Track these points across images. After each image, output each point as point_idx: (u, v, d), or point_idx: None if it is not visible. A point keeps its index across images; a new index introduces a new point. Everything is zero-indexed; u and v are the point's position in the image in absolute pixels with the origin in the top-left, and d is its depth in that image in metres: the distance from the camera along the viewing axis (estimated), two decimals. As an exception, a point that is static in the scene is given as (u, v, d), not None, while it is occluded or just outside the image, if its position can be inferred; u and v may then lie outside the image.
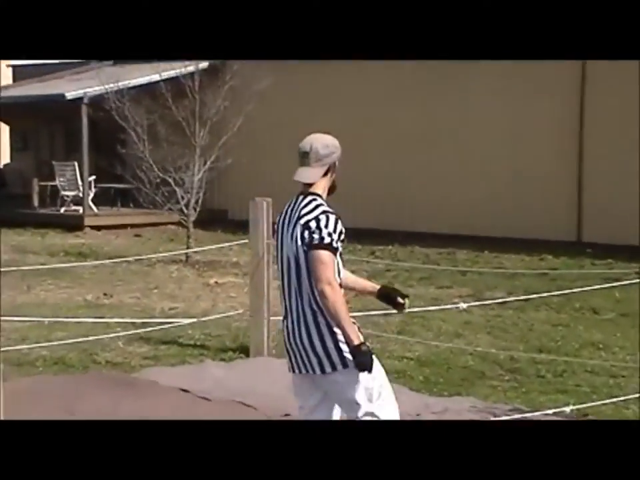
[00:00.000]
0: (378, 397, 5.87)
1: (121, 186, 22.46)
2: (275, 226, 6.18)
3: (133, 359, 10.21)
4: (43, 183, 25.02)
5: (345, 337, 5.68)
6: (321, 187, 5.95)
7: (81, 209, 23.42)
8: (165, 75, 20.13)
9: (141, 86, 21.71)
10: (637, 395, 8.24)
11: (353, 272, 6.41)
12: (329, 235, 5.65)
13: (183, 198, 18.14)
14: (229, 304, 13.21)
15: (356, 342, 5.63)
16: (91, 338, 10.44)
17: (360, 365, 5.65)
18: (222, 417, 8.10)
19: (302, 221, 5.77)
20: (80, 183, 23.49)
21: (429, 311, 11.63)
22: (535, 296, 10.75)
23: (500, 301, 11.33)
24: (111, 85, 21.28)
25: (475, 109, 20.05)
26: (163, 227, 21.75)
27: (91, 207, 23.49)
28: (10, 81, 32.75)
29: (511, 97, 19.62)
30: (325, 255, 5.63)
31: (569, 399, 8.35)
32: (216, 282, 15.33)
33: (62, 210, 23.91)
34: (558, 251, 17.40)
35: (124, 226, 22.53)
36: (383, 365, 5.98)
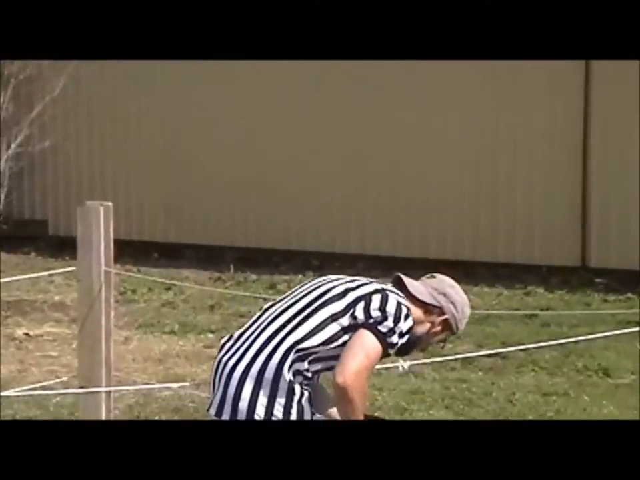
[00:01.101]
0: None
1: None
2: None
3: None
4: None
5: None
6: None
7: None
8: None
9: None
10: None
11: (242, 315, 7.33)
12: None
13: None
14: (45, 368, 13.18)
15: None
16: None
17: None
18: None
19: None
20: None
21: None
22: (516, 349, 10.72)
23: (465, 356, 11.34)
24: None
25: (442, 106, 20.48)
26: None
27: None
28: None
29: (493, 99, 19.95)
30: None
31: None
32: (26, 334, 15.19)
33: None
34: (553, 281, 17.70)
35: None
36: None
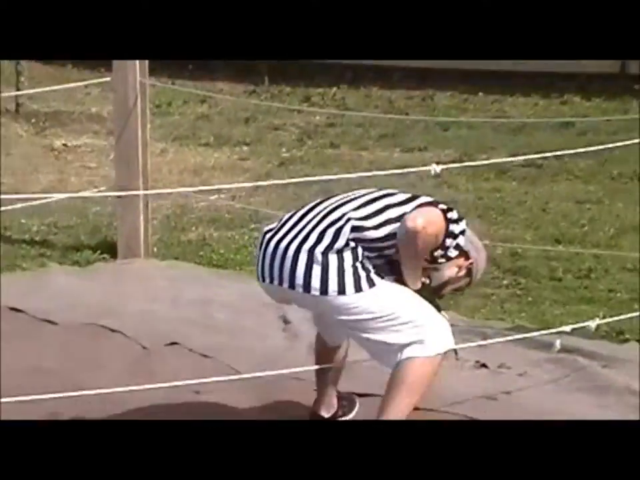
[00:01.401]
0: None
1: None
2: None
3: None
4: None
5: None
6: None
7: None
8: None
9: None
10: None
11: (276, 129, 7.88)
12: None
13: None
14: (84, 178, 13.30)
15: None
16: None
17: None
18: (74, 346, 8.27)
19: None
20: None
21: (396, 179, 11.70)
22: (550, 155, 10.75)
23: (498, 162, 11.33)
24: None
25: None
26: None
27: None
28: None
29: None
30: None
31: (598, 310, 8.53)
32: (64, 144, 15.26)
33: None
34: (590, 88, 17.57)
35: None
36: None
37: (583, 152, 10.80)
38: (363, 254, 6.86)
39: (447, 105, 17.39)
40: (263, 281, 7.16)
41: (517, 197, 12.28)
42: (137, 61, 10.25)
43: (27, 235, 11.04)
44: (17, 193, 11.28)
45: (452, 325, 8.38)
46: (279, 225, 7.17)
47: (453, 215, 7.02)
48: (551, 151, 10.57)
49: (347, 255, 6.79)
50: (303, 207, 7.32)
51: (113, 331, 8.60)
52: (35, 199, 11.04)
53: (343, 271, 6.76)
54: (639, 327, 8.27)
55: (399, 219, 6.86)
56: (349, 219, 6.88)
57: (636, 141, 9.66)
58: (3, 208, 10.72)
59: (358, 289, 6.72)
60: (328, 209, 7.10)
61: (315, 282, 6.77)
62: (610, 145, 9.96)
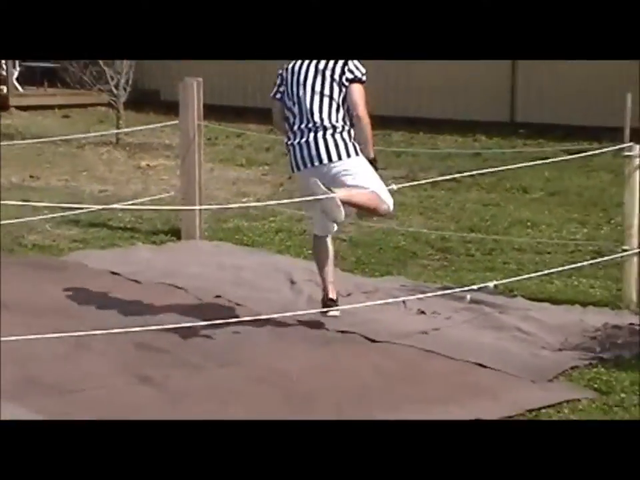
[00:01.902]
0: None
1: (47, 64, 22.10)
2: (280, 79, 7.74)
3: (61, 242, 10.19)
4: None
5: (369, 145, 7.62)
6: None
7: (5, 88, 22.95)
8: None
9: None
10: (558, 270, 8.43)
11: (286, 154, 7.69)
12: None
13: (112, 78, 17.86)
14: (160, 187, 13.18)
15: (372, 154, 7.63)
16: (16, 220, 10.35)
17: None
18: (151, 299, 8.20)
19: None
20: (2, 60, 23.05)
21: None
22: (466, 174, 10.80)
23: (432, 180, 11.35)
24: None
25: None
26: (92, 108, 21.43)
27: (16, 87, 23.08)
28: None
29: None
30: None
31: (497, 276, 8.49)
32: (147, 164, 15.24)
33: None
34: (491, 131, 17.36)
35: (51, 107, 22.17)
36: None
37: (486, 172, 10.87)
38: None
39: (399, 140, 17.32)
40: (299, 170, 7.45)
41: (444, 201, 12.21)
42: (196, 110, 10.22)
43: (122, 224, 10.98)
44: (117, 197, 11.26)
45: (401, 285, 8.48)
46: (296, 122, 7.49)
47: None
48: (466, 172, 10.59)
49: (346, 135, 7.35)
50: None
51: (177, 287, 8.54)
52: (127, 204, 11.08)
53: (346, 144, 7.34)
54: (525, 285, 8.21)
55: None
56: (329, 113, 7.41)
57: (521, 165, 9.66)
58: (107, 206, 10.79)
59: (356, 153, 7.37)
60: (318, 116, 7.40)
61: (334, 154, 7.27)
62: (503, 168, 9.99)
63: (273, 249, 9.93)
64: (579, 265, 8.48)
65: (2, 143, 15.46)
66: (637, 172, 7.69)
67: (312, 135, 7.37)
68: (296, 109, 7.48)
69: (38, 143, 15.05)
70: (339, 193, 7.00)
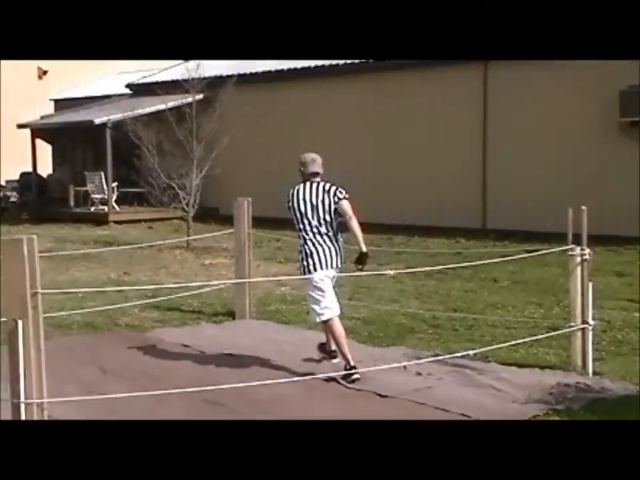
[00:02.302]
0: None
1: (137, 190, 22.33)
2: (292, 200, 7.94)
3: (146, 322, 10.21)
4: (77, 189, 24.93)
5: (361, 241, 7.89)
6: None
7: (106, 208, 23.33)
8: (170, 104, 20.12)
9: (151, 113, 21.68)
10: (522, 341, 8.34)
11: None
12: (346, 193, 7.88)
13: (184, 198, 18.11)
14: (220, 279, 13.14)
15: (365, 249, 7.85)
16: (113, 306, 10.44)
17: (366, 263, 7.93)
18: (214, 365, 8.17)
19: (331, 190, 7.81)
20: (105, 188, 23.42)
21: (372, 280, 11.72)
22: (451, 267, 10.78)
23: (424, 270, 11.32)
24: (128, 113, 21.34)
25: (404, 125, 20.10)
26: (169, 221, 21.62)
27: (114, 207, 23.42)
28: (52, 111, 32.60)
29: (428, 112, 19.65)
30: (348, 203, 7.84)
31: (475, 345, 8.42)
32: (210, 263, 15.25)
33: (92, 209, 23.81)
34: (468, 235, 17.38)
35: (139, 221, 22.49)
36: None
37: (466, 266, 10.80)
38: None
39: (399, 242, 17.35)
40: (327, 268, 7.86)
41: (434, 289, 12.13)
42: (246, 221, 10.27)
43: (191, 308, 10.95)
44: (187, 288, 11.25)
45: (403, 353, 8.42)
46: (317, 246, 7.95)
47: None
48: (450, 266, 10.58)
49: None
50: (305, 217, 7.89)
51: (233, 356, 8.50)
52: (194, 288, 11.09)
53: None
54: (496, 353, 8.14)
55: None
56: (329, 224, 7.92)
57: (491, 261, 9.61)
58: (181, 294, 10.79)
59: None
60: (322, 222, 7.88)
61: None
62: (478, 263, 9.96)
63: (304, 326, 9.89)
64: (537, 337, 8.42)
65: (103, 249, 15.68)
66: (578, 267, 7.71)
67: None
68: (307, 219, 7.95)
69: (129, 248, 15.15)
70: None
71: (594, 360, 7.78)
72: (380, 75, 20.46)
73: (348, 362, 7.59)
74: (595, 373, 7.63)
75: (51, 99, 34.68)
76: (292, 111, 22.24)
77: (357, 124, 21.02)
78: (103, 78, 35.47)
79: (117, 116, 22.44)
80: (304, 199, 7.83)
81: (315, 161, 8.11)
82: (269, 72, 22.83)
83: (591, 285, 7.72)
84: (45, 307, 5.64)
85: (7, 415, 5.50)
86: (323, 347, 8.21)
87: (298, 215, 7.86)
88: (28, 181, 27.39)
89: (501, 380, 7.48)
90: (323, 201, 7.79)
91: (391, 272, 8.72)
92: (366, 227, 19.44)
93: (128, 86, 27.97)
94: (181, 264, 15.28)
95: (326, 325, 7.86)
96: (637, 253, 14.42)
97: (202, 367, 8.15)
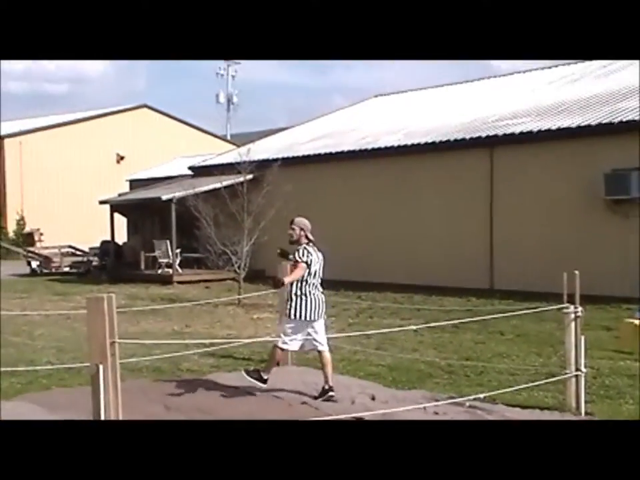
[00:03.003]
0: None
1: (197, 255, 22.58)
2: (311, 258, 8.11)
3: (203, 367, 10.21)
4: (147, 254, 25.23)
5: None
6: None
7: (171, 270, 23.53)
8: (225, 183, 20.41)
9: (209, 191, 21.98)
10: (524, 386, 8.26)
11: (346, 309, 7.72)
12: None
13: (236, 262, 18.26)
14: (265, 331, 13.12)
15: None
16: (176, 354, 10.44)
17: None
18: (260, 405, 8.10)
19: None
20: (170, 253, 23.68)
21: (396, 334, 11.66)
22: (464, 321, 10.74)
23: (439, 324, 11.25)
24: (190, 190, 21.66)
25: (421, 201, 20.19)
26: (223, 282, 21.74)
27: (177, 269, 23.61)
28: (127, 189, 33.16)
29: (442, 191, 19.73)
30: None
31: (484, 389, 8.36)
32: (257, 317, 15.26)
33: (159, 271, 24.03)
34: (478, 294, 17.33)
35: (198, 281, 22.62)
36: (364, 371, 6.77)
37: (476, 320, 10.73)
38: None
39: (419, 300, 17.19)
40: (307, 319, 7.90)
41: (449, 340, 12.06)
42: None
43: (242, 355, 10.90)
44: (238, 338, 11.24)
45: (422, 396, 8.35)
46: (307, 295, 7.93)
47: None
48: (462, 320, 10.53)
49: None
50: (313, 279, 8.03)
51: (276, 396, 8.44)
52: (244, 342, 11.07)
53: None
54: (502, 396, 8.07)
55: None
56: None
57: (497, 316, 9.55)
58: (233, 344, 10.77)
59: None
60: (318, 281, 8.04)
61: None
62: (486, 318, 9.87)
63: (338, 372, 9.85)
64: (537, 383, 8.34)
65: (168, 305, 15.78)
66: (572, 322, 7.67)
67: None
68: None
69: (190, 305, 15.27)
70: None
71: (586, 402, 7.70)
72: (400, 158, 20.64)
73: (264, 377, 8.24)
74: (586, 414, 7.54)
75: (126, 180, 35.29)
76: (325, 187, 22.46)
77: (380, 199, 21.14)
78: (169, 162, 36.03)
79: (181, 193, 22.79)
80: (317, 260, 8.15)
81: (310, 228, 8.32)
82: (307, 156, 23.12)
83: (583, 337, 7.69)
84: (120, 354, 5.72)
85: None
86: (254, 372, 8.47)
87: (313, 272, 8.10)
88: (107, 247, 27.75)
89: (507, 419, 7.40)
90: (322, 265, 8.20)
91: (414, 327, 8.75)
92: (387, 288, 19.31)
93: (190, 168, 28.40)
94: (233, 318, 15.33)
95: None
96: (621, 311, 14.29)
97: (249, 405, 8.11)
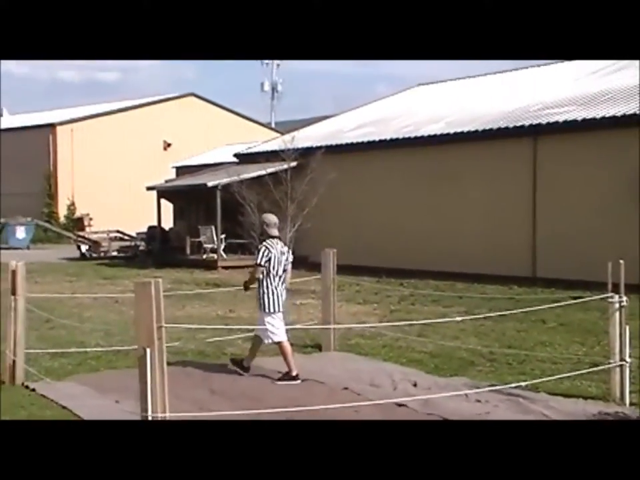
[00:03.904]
0: None
1: (241, 241, 22.63)
2: (270, 255, 8.48)
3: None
4: (192, 239, 25.40)
5: (287, 283, 8.74)
6: None
7: (216, 255, 23.65)
8: (269, 170, 20.43)
9: (253, 178, 22.03)
10: (567, 375, 8.16)
11: (388, 297, 7.57)
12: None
13: (280, 249, 18.30)
14: (308, 317, 13.14)
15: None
16: (221, 338, 10.53)
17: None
18: (302, 390, 8.14)
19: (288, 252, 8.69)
20: (215, 239, 23.80)
21: (438, 322, 11.58)
22: (506, 312, 10.63)
23: (483, 316, 11.17)
24: (234, 177, 21.70)
25: (463, 189, 19.99)
26: (267, 268, 21.81)
27: (222, 255, 23.73)
28: (174, 176, 33.41)
29: (484, 179, 19.51)
30: None
31: (527, 378, 8.26)
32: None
33: (204, 256, 24.17)
34: (520, 283, 17.10)
35: (243, 266, 22.50)
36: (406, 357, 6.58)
37: (519, 311, 10.60)
38: None
39: (461, 288, 17.04)
40: (280, 311, 8.47)
41: (491, 328, 11.94)
42: (332, 268, 10.28)
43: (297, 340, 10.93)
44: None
45: (464, 383, 8.28)
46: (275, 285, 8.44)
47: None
48: (505, 310, 10.39)
49: None
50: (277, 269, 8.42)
51: (319, 382, 8.48)
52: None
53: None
54: (545, 385, 7.96)
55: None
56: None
57: (541, 307, 9.40)
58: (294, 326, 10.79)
59: None
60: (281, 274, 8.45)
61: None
62: (530, 309, 9.73)
63: (380, 358, 9.84)
64: (581, 372, 8.23)
65: (212, 290, 15.87)
66: (617, 312, 7.54)
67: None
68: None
69: (234, 290, 15.30)
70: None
71: (630, 392, 7.58)
72: (442, 147, 20.45)
73: (291, 370, 8.46)
74: (631, 404, 7.43)
75: (172, 166, 35.54)
76: (368, 175, 22.35)
77: (422, 187, 20.98)
78: (215, 149, 36.18)
79: (226, 180, 22.84)
80: (278, 252, 8.59)
81: (277, 224, 8.79)
82: (351, 144, 23.02)
83: (627, 327, 7.56)
84: (166, 338, 5.73)
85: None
86: (236, 362, 8.89)
87: (275, 264, 8.51)
88: (153, 233, 28.01)
89: (549, 408, 7.30)
90: (286, 258, 8.66)
91: (458, 318, 8.67)
92: (429, 276, 19.13)
93: (235, 155, 28.48)
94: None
95: (279, 345, 8.67)
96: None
97: (293, 391, 8.14)
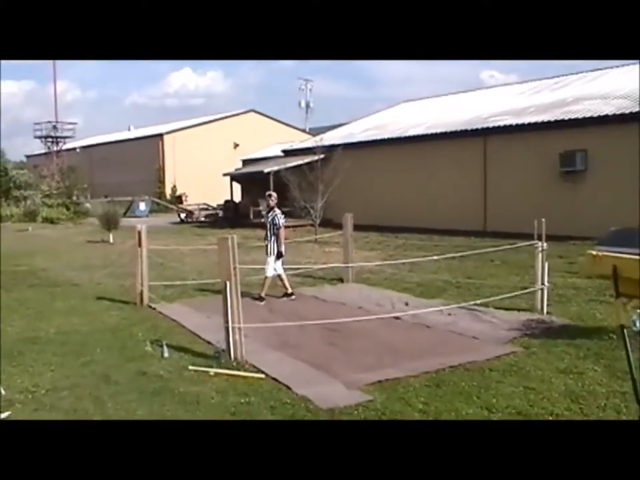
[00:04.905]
0: None
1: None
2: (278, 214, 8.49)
3: (293, 283, 9.98)
4: (254, 209, 25.39)
5: (281, 246, 8.49)
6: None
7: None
8: (306, 160, 20.33)
9: (294, 166, 21.94)
10: (507, 296, 7.94)
11: (388, 245, 7.43)
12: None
13: (313, 214, 18.31)
14: (334, 260, 12.90)
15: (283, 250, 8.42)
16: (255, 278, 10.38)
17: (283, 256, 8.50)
18: (331, 309, 8.03)
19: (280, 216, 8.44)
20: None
21: (422, 262, 11.35)
22: (467, 254, 10.43)
23: (452, 256, 10.89)
24: (282, 166, 21.64)
25: (436, 172, 19.79)
26: (306, 227, 21.52)
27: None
28: (241, 166, 33.34)
29: (451, 165, 19.28)
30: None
31: (481, 298, 8.10)
32: (329, 250, 15.13)
33: (262, 220, 23.89)
34: (476, 235, 16.77)
35: (287, 226, 21.88)
36: (401, 286, 6.53)
37: (473, 253, 10.41)
38: None
39: (437, 239, 16.78)
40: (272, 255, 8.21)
41: (457, 266, 11.62)
42: (350, 227, 10.11)
43: (318, 276, 10.91)
44: (317, 265, 11.18)
45: (441, 303, 8.22)
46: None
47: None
48: (466, 253, 10.22)
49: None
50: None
51: (342, 304, 8.43)
52: (315, 269, 10.99)
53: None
54: (493, 303, 7.87)
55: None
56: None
57: (488, 250, 9.12)
58: (311, 268, 10.72)
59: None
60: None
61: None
62: (481, 251, 9.46)
63: (383, 287, 9.83)
64: (517, 293, 8.17)
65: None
66: (540, 254, 7.52)
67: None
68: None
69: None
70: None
71: (548, 305, 7.57)
72: (423, 143, 20.23)
73: (260, 295, 8.39)
74: (547, 313, 7.42)
75: (240, 159, 35.49)
76: (372, 164, 22.15)
77: (409, 171, 20.80)
78: (268, 147, 36.03)
79: (276, 168, 22.77)
80: (279, 215, 8.63)
81: (276, 198, 8.82)
82: (360, 142, 22.82)
83: (547, 264, 7.53)
84: (239, 275, 5.80)
85: (221, 334, 5.68)
86: (257, 297, 8.53)
87: (277, 223, 8.59)
88: (228, 205, 28.04)
89: (495, 317, 7.33)
90: (278, 220, 8.60)
91: (435, 258, 8.56)
92: (416, 230, 18.97)
93: (282, 151, 28.34)
94: (311, 251, 15.26)
95: (266, 279, 8.58)
96: (569, 245, 13.86)
97: (324, 308, 8.17)
